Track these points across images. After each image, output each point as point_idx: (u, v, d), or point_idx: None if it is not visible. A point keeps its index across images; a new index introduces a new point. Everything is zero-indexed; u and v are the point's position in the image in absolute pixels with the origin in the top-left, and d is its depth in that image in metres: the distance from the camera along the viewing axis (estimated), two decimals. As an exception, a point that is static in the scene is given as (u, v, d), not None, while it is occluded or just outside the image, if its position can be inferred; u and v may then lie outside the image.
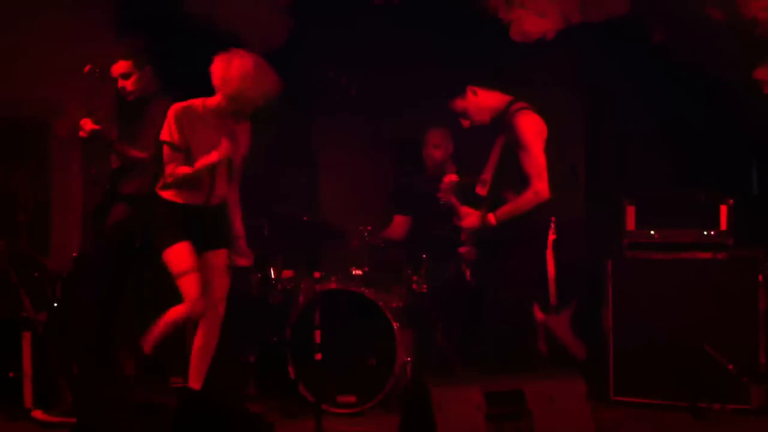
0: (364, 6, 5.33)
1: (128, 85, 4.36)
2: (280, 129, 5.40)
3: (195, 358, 3.99)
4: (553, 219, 4.68)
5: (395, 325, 4.52)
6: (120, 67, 4.36)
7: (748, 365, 4.44)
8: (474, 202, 4.29)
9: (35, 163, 5.40)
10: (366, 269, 4.83)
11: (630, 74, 5.31)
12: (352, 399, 4.50)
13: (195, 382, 3.98)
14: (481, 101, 4.17)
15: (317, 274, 4.77)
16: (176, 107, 3.93)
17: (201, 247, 3.96)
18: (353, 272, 4.84)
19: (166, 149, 3.92)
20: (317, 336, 4.30)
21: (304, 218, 4.97)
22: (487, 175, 4.17)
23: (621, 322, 4.69)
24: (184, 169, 3.89)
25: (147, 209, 4.11)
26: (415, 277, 4.83)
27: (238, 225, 4.21)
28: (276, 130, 5.18)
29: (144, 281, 4.46)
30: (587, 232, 5.30)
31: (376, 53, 5.48)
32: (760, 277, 4.50)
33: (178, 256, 3.89)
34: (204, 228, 3.98)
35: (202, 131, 3.93)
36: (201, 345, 3.98)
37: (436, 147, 5.03)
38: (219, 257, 4.06)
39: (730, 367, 4.40)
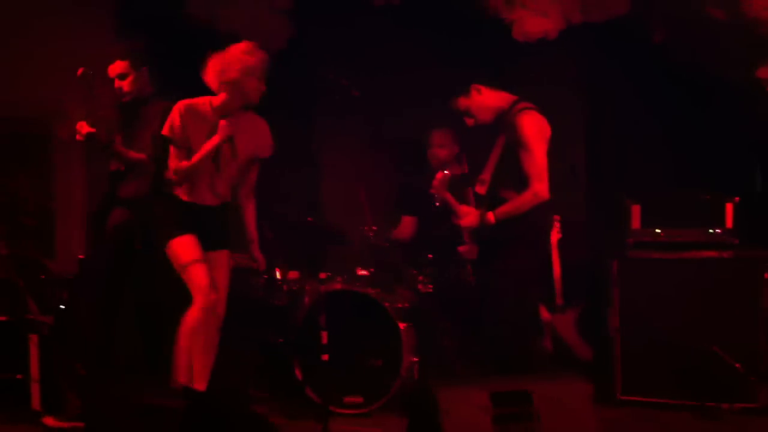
0: (365, 7, 5.34)
1: (125, 85, 4.36)
2: (282, 130, 5.40)
3: (196, 359, 3.93)
4: (558, 218, 4.69)
5: (401, 325, 4.52)
6: (117, 67, 4.36)
7: (753, 364, 4.43)
8: (472, 201, 4.30)
9: (38, 166, 5.40)
10: (371, 270, 4.83)
11: (631, 74, 5.31)
12: (358, 400, 4.50)
13: (200, 384, 3.97)
14: (486, 100, 4.18)
15: (323, 275, 4.79)
16: (182, 104, 3.93)
17: (204, 246, 3.94)
18: (358, 273, 4.84)
19: (170, 149, 3.92)
20: (323, 337, 4.31)
21: (309, 219, 4.99)
22: (487, 174, 4.18)
23: (627, 322, 4.68)
24: (187, 163, 3.89)
25: (147, 210, 4.11)
26: (420, 278, 4.83)
27: (251, 229, 4.20)
28: (277, 131, 5.19)
29: (146, 283, 4.45)
30: (587, 232, 5.30)
31: (377, 54, 5.49)
32: (766, 276, 4.50)
33: (184, 247, 3.88)
34: (207, 227, 3.97)
35: (207, 129, 3.93)
36: (201, 346, 3.92)
37: (441, 146, 5.03)
38: (221, 258, 4.05)
39: (738, 366, 4.40)
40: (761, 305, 4.49)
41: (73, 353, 4.31)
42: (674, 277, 4.64)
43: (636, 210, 4.78)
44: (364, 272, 4.83)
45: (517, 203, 4.04)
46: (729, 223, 4.65)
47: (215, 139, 3.90)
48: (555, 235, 4.68)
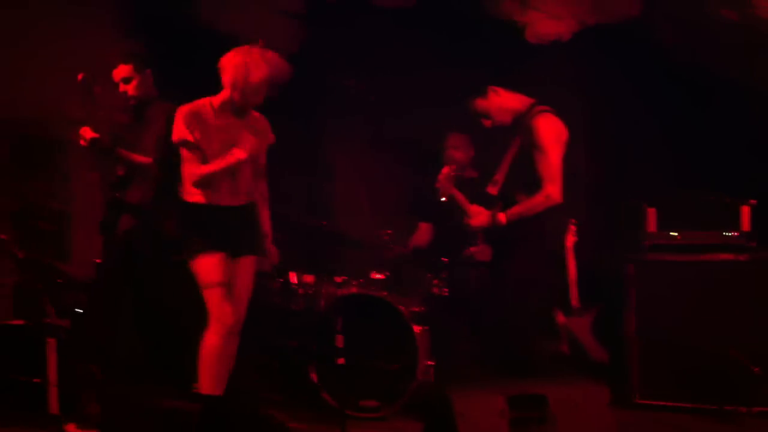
0: (377, 11, 5.35)
1: (130, 89, 4.34)
2: (296, 134, 5.41)
3: (206, 369, 3.92)
4: (573, 222, 4.68)
5: (417, 329, 4.51)
6: (121, 71, 4.34)
7: (771, 367, 4.43)
8: (484, 201, 4.29)
9: (54, 170, 5.42)
10: (386, 274, 4.83)
11: (633, 75, 5.29)
12: (374, 404, 4.50)
13: (217, 389, 3.98)
14: (504, 102, 4.18)
15: (338, 279, 4.79)
16: (183, 109, 3.88)
17: (229, 254, 3.91)
18: (374, 277, 4.84)
19: (183, 151, 3.88)
20: (339, 341, 4.31)
21: (323, 223, 4.99)
22: (500, 175, 4.17)
23: (643, 324, 4.68)
24: (207, 168, 3.84)
25: (162, 217, 4.11)
26: (435, 281, 4.83)
27: (265, 222, 4.18)
28: (291, 135, 5.20)
29: (152, 288, 4.46)
30: (601, 236, 5.28)
31: (389, 57, 5.48)
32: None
33: (208, 267, 3.85)
34: (231, 231, 3.92)
35: (212, 130, 3.88)
36: (221, 360, 3.92)
37: (457, 149, 5.03)
38: (247, 265, 3.99)
39: (756, 369, 4.37)
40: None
41: (90, 357, 4.33)
42: (690, 279, 4.62)
43: (652, 213, 4.77)
44: (379, 276, 4.83)
45: (528, 205, 4.03)
46: (745, 225, 4.63)
47: (241, 154, 3.83)
48: (571, 239, 4.66)
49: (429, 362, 4.55)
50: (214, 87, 3.93)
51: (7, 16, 5.16)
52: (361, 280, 4.81)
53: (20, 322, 4.51)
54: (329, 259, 5.02)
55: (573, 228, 4.64)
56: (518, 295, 4.06)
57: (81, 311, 4.55)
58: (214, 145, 3.88)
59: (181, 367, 4.32)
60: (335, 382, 4.45)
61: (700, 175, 5.12)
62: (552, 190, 4.00)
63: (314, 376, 4.58)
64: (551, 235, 4.28)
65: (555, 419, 3.46)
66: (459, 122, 4.84)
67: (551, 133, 4.08)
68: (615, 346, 4.76)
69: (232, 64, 3.83)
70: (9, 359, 4.32)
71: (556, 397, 3.48)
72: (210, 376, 3.87)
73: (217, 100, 3.92)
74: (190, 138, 3.84)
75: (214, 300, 3.85)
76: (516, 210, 4.05)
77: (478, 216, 4.16)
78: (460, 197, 4.21)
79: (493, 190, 4.18)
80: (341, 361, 4.28)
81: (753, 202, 4.63)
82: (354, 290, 4.68)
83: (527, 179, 4.06)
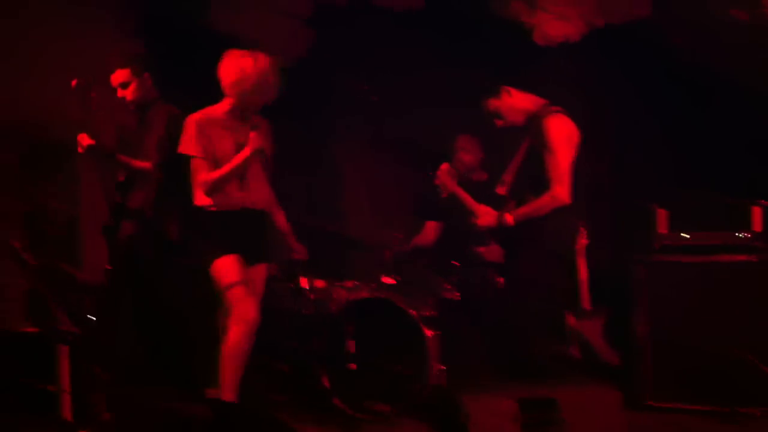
0: (384, 13, 5.35)
1: (128, 94, 4.33)
2: (303, 137, 5.42)
3: (228, 368, 3.97)
4: (583, 223, 4.67)
5: (428, 333, 4.51)
6: (118, 76, 4.33)
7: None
8: (494, 201, 4.29)
9: (63, 175, 5.42)
10: (397, 278, 4.83)
11: (642, 76, 5.29)
12: (385, 408, 4.49)
13: (229, 393, 3.99)
14: (516, 102, 4.18)
15: (349, 284, 4.79)
16: (194, 118, 3.92)
17: (244, 261, 3.95)
18: (384, 281, 4.84)
19: (194, 162, 3.91)
20: (350, 345, 4.31)
21: (332, 228, 4.99)
22: (509, 176, 4.17)
23: (654, 326, 4.66)
24: (217, 173, 3.89)
25: (161, 221, 4.10)
26: (446, 285, 4.82)
27: (282, 222, 4.21)
28: (299, 139, 5.21)
29: (155, 292, 4.46)
30: (604, 238, 5.26)
31: (396, 59, 5.49)
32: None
33: (225, 268, 3.89)
34: (244, 237, 3.97)
35: (222, 137, 3.93)
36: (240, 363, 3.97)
37: (467, 151, 5.03)
38: (259, 272, 4.06)
39: (768, 370, 4.37)
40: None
41: (102, 363, 4.34)
42: (702, 281, 4.61)
43: (662, 214, 4.75)
44: (390, 280, 4.82)
45: (535, 205, 4.04)
46: (757, 226, 4.61)
47: (246, 151, 3.89)
48: (582, 241, 4.65)
49: (441, 367, 4.54)
50: (216, 88, 3.96)
51: (8, 15, 5.19)
52: (372, 285, 4.81)
53: (33, 329, 4.53)
54: (339, 263, 5.02)
55: (584, 230, 4.63)
56: (526, 297, 4.06)
57: (93, 318, 4.57)
58: (223, 150, 3.92)
59: (189, 370, 4.35)
60: (346, 387, 4.45)
61: (710, 176, 5.12)
62: (559, 191, 4.00)
63: (325, 381, 4.57)
64: (560, 237, 4.27)
65: (566, 423, 3.46)
66: (468, 124, 4.85)
67: (562, 133, 4.08)
68: (626, 348, 4.75)
69: (226, 69, 3.88)
70: (23, 366, 4.34)
71: (568, 400, 3.49)
72: (232, 373, 3.90)
73: (221, 106, 3.97)
74: (199, 150, 3.89)
75: (236, 298, 3.88)
76: (523, 210, 4.05)
77: (486, 216, 4.16)
78: (464, 195, 4.21)
79: (501, 190, 4.18)
80: (352, 365, 4.28)
81: (764, 202, 4.61)
82: (365, 294, 4.67)
83: (536, 180, 4.05)
